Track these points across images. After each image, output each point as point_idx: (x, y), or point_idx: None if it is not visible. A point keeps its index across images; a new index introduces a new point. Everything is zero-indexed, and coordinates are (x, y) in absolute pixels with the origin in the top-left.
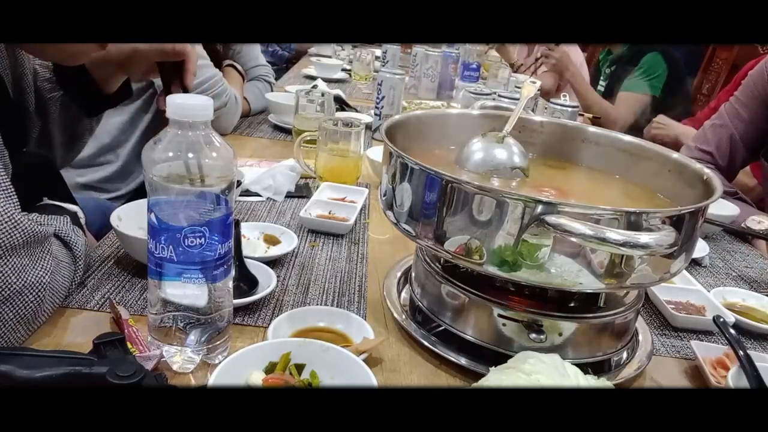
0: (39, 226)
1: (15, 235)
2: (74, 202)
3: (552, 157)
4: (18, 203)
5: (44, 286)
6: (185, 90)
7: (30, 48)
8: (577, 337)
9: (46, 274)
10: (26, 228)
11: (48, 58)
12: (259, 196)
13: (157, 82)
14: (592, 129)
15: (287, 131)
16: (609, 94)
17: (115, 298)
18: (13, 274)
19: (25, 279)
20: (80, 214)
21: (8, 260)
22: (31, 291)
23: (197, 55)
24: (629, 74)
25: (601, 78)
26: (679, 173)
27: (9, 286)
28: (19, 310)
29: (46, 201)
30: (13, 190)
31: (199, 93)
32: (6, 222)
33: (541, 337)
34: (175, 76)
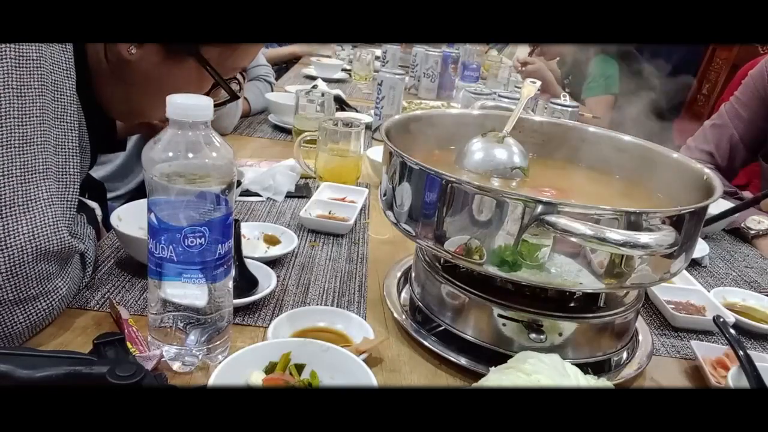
0: (74, 240)
1: (53, 241)
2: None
3: (552, 157)
4: (73, 216)
5: (59, 296)
6: None
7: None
8: (577, 337)
9: (65, 285)
10: (63, 239)
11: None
12: (259, 196)
13: None
14: (592, 129)
15: (287, 131)
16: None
17: (115, 298)
18: (35, 279)
19: (44, 286)
20: (98, 212)
21: (36, 265)
22: (46, 298)
23: None
24: (586, 80)
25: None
26: (679, 173)
27: (28, 289)
28: (30, 316)
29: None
30: (76, 202)
31: None
32: (50, 227)
33: (541, 337)
34: None
